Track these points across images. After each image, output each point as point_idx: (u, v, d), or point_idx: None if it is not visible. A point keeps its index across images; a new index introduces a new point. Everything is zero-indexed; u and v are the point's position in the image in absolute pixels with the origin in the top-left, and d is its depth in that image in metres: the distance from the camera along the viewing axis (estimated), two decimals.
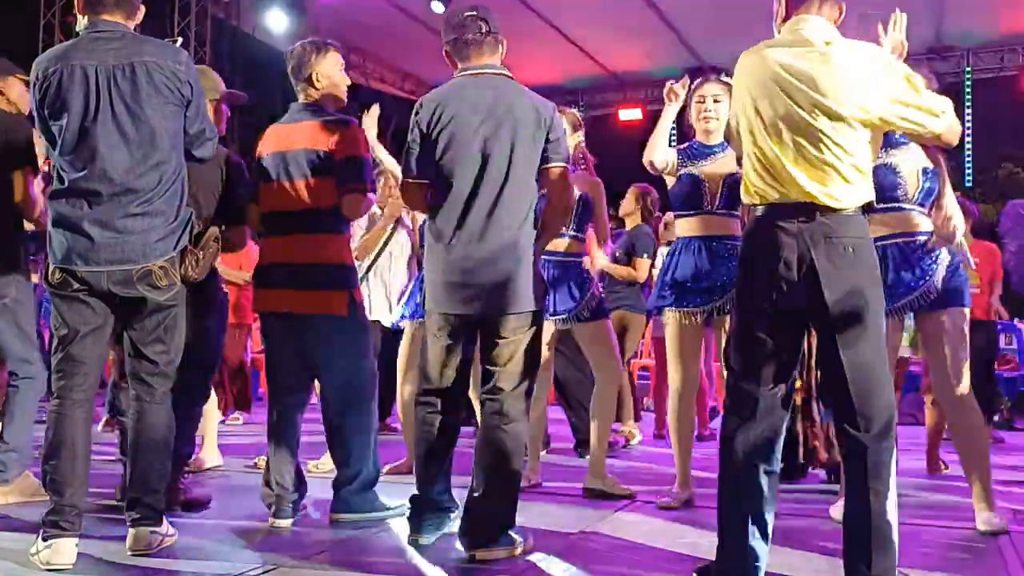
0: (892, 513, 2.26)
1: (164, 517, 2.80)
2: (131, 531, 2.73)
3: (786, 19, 2.46)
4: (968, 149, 10.99)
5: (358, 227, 5.10)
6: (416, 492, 2.96)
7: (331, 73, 3.29)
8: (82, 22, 2.82)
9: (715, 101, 3.59)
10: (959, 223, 3.05)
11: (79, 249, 2.64)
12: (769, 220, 2.36)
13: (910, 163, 3.22)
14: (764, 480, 2.37)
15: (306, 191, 3.17)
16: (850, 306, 2.28)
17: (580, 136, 4.03)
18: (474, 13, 2.96)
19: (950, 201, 3.05)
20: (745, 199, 2.48)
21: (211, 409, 4.67)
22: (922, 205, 3.25)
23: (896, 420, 2.32)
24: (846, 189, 2.31)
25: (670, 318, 3.59)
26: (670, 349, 3.64)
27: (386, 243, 5.01)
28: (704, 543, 2.80)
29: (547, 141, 2.87)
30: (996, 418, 7.84)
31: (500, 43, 2.98)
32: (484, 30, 2.94)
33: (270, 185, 3.23)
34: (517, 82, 2.97)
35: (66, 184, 2.68)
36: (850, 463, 2.32)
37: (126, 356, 2.83)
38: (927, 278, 3.16)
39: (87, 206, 2.65)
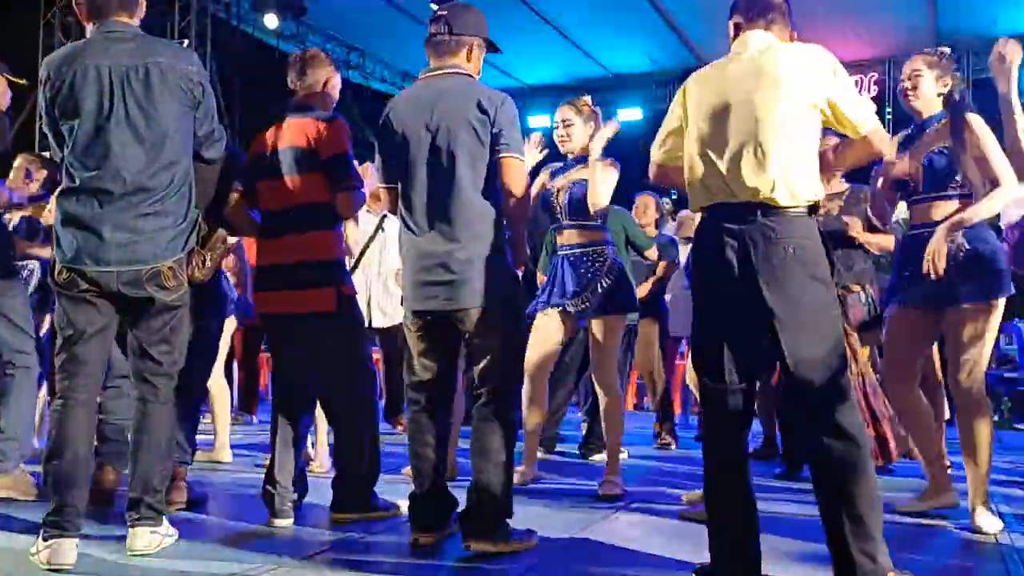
0: (872, 505, 2.23)
1: (164, 517, 2.81)
2: (131, 531, 2.73)
3: (734, 38, 2.53)
4: None
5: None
6: (414, 490, 2.97)
7: (337, 92, 3.44)
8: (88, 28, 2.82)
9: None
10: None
11: (89, 249, 2.64)
12: (714, 220, 2.39)
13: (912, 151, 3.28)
14: (744, 476, 2.39)
15: (293, 188, 3.19)
16: (792, 307, 2.28)
17: (591, 127, 3.93)
18: (444, 12, 2.98)
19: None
20: (692, 203, 2.50)
21: (224, 406, 4.70)
22: (934, 190, 3.25)
23: (860, 419, 2.30)
24: (789, 189, 2.32)
25: None
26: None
27: (367, 246, 5.02)
28: (704, 543, 2.80)
29: (493, 134, 2.86)
30: (996, 418, 7.86)
31: (464, 46, 2.97)
32: (444, 30, 2.96)
33: (262, 184, 3.26)
34: (473, 79, 2.97)
35: (77, 183, 2.68)
36: (818, 460, 2.31)
37: (130, 356, 2.83)
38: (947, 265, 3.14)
39: (98, 205, 2.65)
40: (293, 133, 3.21)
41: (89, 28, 2.79)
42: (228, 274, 4.66)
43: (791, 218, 2.32)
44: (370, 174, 3.81)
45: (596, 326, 3.92)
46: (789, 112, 2.33)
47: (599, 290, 3.82)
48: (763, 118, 2.33)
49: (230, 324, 4.77)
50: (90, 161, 2.66)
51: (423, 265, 2.88)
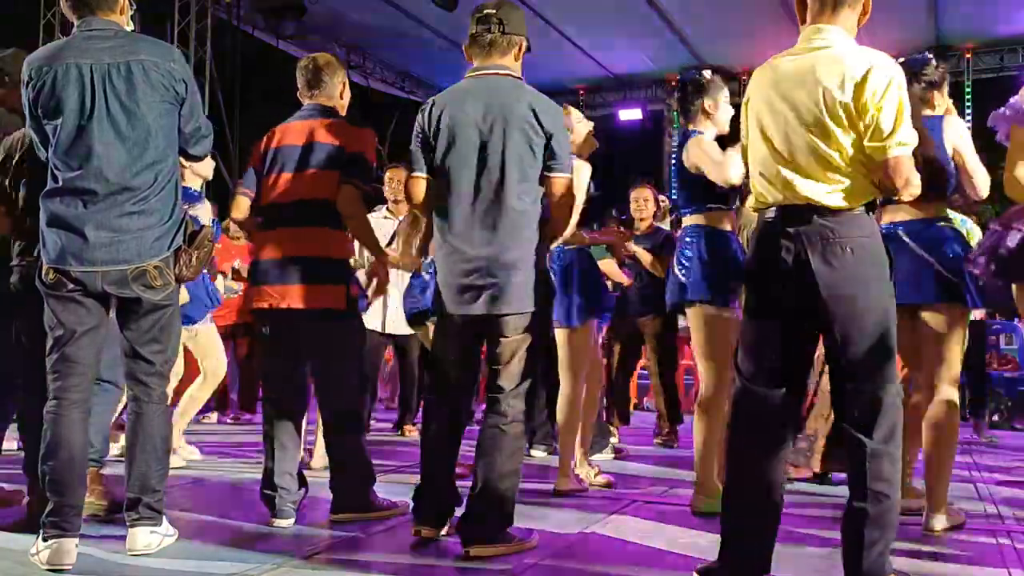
0: (893, 514, 2.27)
1: (164, 517, 2.80)
2: (131, 531, 2.72)
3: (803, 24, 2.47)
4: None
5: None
6: (421, 483, 2.98)
7: (348, 92, 3.43)
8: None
9: None
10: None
11: (73, 249, 2.62)
12: (771, 223, 2.38)
13: None
14: (773, 483, 2.38)
15: (309, 181, 3.18)
16: (848, 307, 2.27)
17: (576, 132, 3.90)
18: (494, 11, 2.94)
19: None
20: (751, 204, 2.51)
21: (188, 408, 4.66)
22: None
23: (901, 422, 2.31)
24: (846, 190, 2.31)
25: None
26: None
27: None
28: (704, 543, 2.80)
29: (547, 148, 2.86)
30: (996, 418, 7.86)
31: (516, 44, 2.97)
32: (499, 30, 2.93)
33: (275, 177, 3.23)
34: (525, 83, 2.96)
35: (60, 183, 2.65)
36: (853, 465, 2.31)
37: (123, 357, 2.82)
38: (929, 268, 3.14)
39: (82, 205, 2.63)
40: (322, 131, 3.20)
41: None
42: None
43: (849, 218, 2.31)
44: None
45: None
46: (842, 115, 2.29)
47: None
48: (819, 120, 2.31)
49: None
50: (73, 161, 2.64)
51: (466, 268, 2.86)
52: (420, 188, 2.98)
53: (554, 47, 10.94)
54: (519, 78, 2.97)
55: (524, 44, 3.01)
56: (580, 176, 3.81)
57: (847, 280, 2.27)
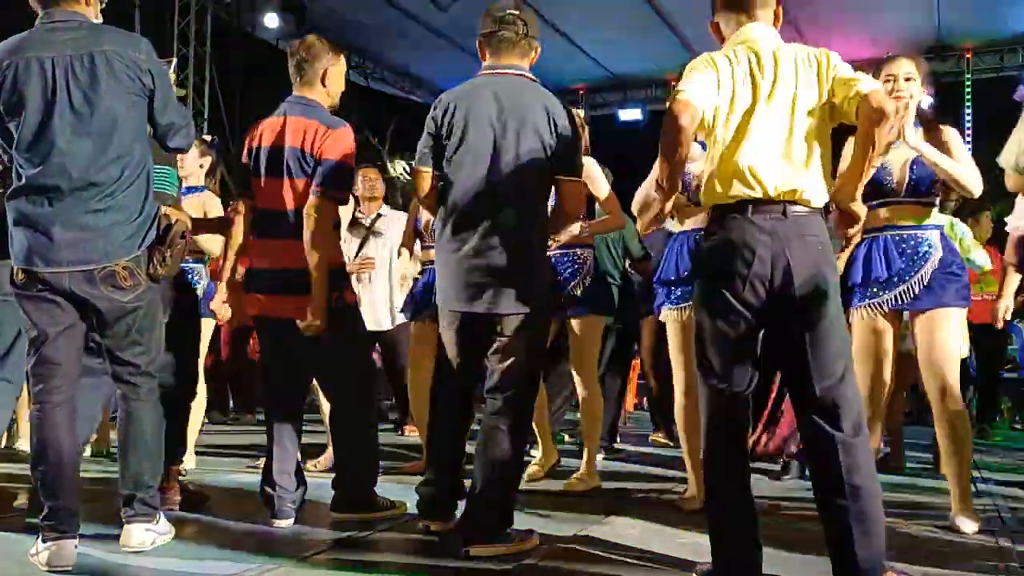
0: (874, 506, 2.23)
1: (160, 514, 2.80)
2: (126, 527, 2.72)
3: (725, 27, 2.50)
4: (968, 149, 11.00)
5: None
6: (428, 477, 3.00)
7: (340, 79, 3.34)
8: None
9: None
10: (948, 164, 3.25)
11: (39, 249, 2.56)
12: (742, 217, 2.34)
13: (898, 157, 3.27)
14: (746, 477, 2.39)
15: (292, 191, 3.13)
16: (819, 302, 2.28)
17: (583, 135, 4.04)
18: (517, 12, 2.97)
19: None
20: (710, 197, 2.42)
21: (195, 412, 4.64)
22: (914, 196, 3.27)
23: (865, 413, 2.33)
24: (817, 187, 2.33)
25: (668, 317, 3.58)
26: (672, 348, 3.60)
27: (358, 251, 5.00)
28: (704, 543, 2.79)
29: (558, 149, 2.86)
30: (996, 418, 7.85)
31: (533, 48, 3.00)
32: (522, 32, 2.95)
33: (258, 181, 3.20)
34: (539, 85, 2.97)
35: (24, 181, 2.59)
36: (822, 461, 2.28)
37: (106, 359, 2.76)
38: (917, 271, 3.20)
39: (47, 203, 2.57)
40: (294, 133, 3.14)
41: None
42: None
43: (813, 215, 2.33)
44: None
45: (576, 324, 3.96)
46: (822, 112, 2.33)
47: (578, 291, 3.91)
48: (802, 117, 2.32)
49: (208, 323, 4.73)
50: (36, 158, 2.57)
51: (467, 265, 2.86)
52: (425, 182, 2.99)
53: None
54: (534, 80, 2.98)
55: (537, 48, 3.03)
56: (593, 170, 3.84)
57: (818, 275, 2.29)
